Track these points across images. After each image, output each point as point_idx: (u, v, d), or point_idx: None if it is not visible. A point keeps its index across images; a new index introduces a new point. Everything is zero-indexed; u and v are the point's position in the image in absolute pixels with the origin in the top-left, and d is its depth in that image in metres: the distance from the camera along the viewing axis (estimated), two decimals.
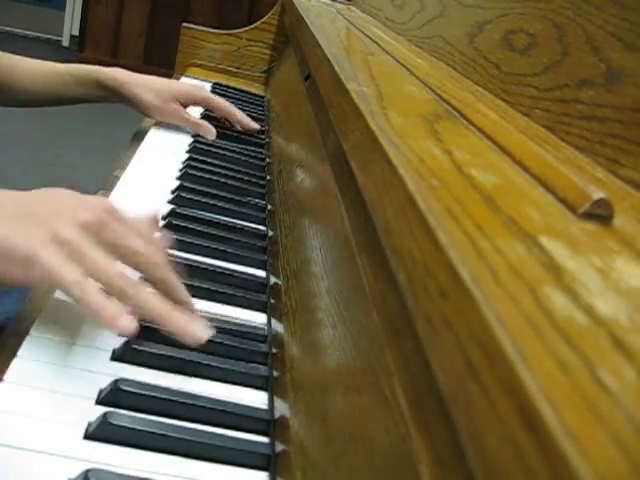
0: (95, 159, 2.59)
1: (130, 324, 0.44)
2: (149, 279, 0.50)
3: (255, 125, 1.03)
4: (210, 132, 0.96)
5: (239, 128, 1.02)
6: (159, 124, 0.98)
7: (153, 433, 0.42)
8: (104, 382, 0.45)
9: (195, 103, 0.99)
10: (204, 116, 1.03)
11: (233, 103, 1.06)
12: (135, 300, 0.46)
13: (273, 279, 0.63)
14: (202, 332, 0.48)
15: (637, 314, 0.24)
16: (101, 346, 0.48)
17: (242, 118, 1.02)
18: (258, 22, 1.39)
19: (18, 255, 0.44)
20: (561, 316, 0.23)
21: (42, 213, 0.47)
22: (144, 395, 0.44)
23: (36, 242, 0.44)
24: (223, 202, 0.77)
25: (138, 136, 0.94)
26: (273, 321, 0.57)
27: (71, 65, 0.95)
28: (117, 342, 0.49)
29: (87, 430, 0.41)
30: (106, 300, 0.44)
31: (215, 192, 0.78)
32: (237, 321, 0.56)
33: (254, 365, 0.51)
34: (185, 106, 0.98)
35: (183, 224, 0.68)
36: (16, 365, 0.44)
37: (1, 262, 0.44)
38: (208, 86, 1.23)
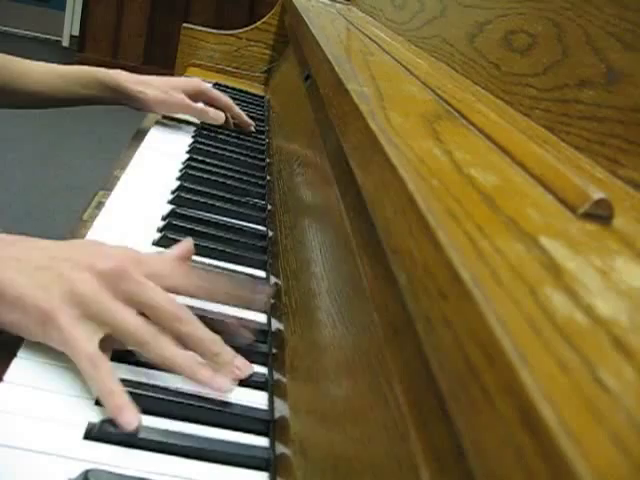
0: (95, 159, 2.59)
1: (133, 420, 0.41)
2: (174, 334, 0.47)
3: (251, 124, 1.04)
4: (218, 116, 0.99)
5: (235, 121, 1.04)
6: (159, 125, 0.98)
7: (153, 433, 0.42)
8: None
9: (196, 95, 1.00)
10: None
11: None
12: (158, 351, 0.45)
13: (273, 279, 0.63)
14: (227, 386, 0.46)
15: (637, 314, 0.24)
16: None
17: (240, 114, 1.04)
18: (258, 22, 1.39)
19: (37, 313, 0.44)
20: (561, 316, 0.23)
21: (61, 265, 0.46)
22: (144, 395, 0.44)
23: (54, 301, 0.44)
24: (223, 202, 0.77)
25: (138, 136, 0.95)
26: (273, 321, 0.57)
27: (73, 67, 0.96)
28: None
29: (87, 430, 0.41)
30: (115, 387, 0.43)
31: (215, 192, 0.78)
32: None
33: (254, 365, 0.51)
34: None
35: (183, 224, 0.68)
36: (16, 365, 0.44)
37: (21, 317, 0.44)
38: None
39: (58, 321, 0.43)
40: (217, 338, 0.47)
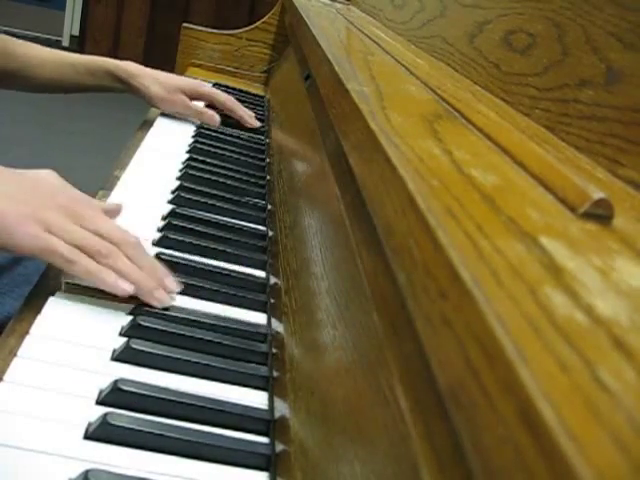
0: (95, 159, 2.59)
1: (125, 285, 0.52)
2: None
3: (256, 123, 1.07)
4: (214, 120, 1.02)
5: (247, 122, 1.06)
6: (159, 125, 0.99)
7: (153, 433, 0.42)
8: (104, 382, 0.45)
9: (198, 96, 1.03)
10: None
11: None
12: (111, 262, 0.52)
13: (273, 279, 0.63)
14: (172, 287, 0.55)
15: (637, 314, 0.24)
16: (101, 346, 0.48)
17: (243, 114, 1.06)
18: (258, 22, 1.39)
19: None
20: (561, 316, 0.23)
21: (36, 202, 0.54)
22: (144, 395, 0.44)
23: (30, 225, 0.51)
24: (223, 202, 0.77)
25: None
26: (273, 321, 0.57)
27: (85, 56, 1.01)
28: (117, 342, 0.49)
29: (87, 430, 0.41)
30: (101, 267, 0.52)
31: (215, 192, 0.78)
32: (237, 321, 0.56)
33: (254, 365, 0.51)
34: (190, 99, 1.03)
35: (183, 224, 0.68)
36: (16, 365, 0.44)
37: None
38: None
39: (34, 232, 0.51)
40: (155, 261, 0.57)
